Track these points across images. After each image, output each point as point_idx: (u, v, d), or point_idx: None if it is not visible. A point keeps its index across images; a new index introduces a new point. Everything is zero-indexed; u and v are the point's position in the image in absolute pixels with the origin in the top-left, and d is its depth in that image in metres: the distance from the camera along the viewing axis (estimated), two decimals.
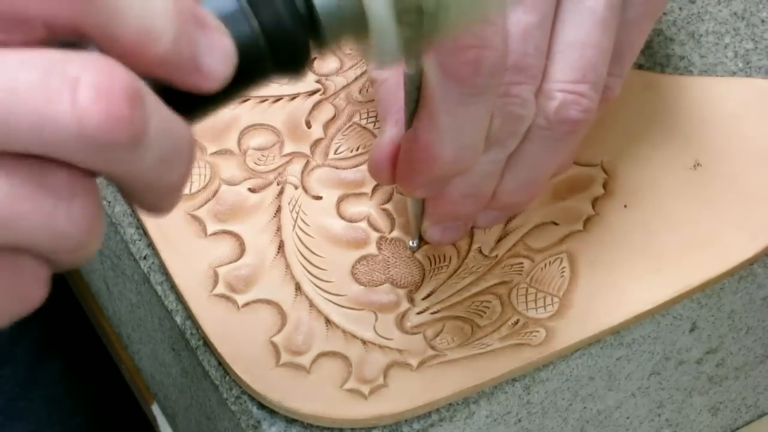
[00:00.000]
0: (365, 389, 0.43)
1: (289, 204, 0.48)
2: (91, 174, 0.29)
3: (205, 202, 0.48)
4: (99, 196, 0.29)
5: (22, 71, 0.27)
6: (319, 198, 0.48)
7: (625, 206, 0.48)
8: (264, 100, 0.51)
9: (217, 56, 0.30)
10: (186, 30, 0.29)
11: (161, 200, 0.31)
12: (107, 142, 0.27)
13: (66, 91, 0.27)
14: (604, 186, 0.49)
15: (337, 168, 0.49)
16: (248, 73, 0.31)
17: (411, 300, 0.45)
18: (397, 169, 0.43)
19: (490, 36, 0.39)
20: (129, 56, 0.28)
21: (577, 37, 0.42)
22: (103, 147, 0.27)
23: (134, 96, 0.27)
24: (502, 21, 0.39)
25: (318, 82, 0.51)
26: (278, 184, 0.48)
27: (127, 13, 0.28)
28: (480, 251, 0.47)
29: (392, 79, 0.43)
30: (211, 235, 0.47)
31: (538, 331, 0.45)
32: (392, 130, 0.43)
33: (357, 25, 0.32)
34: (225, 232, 0.47)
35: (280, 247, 0.47)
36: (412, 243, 0.47)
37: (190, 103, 0.30)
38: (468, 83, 0.39)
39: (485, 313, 0.45)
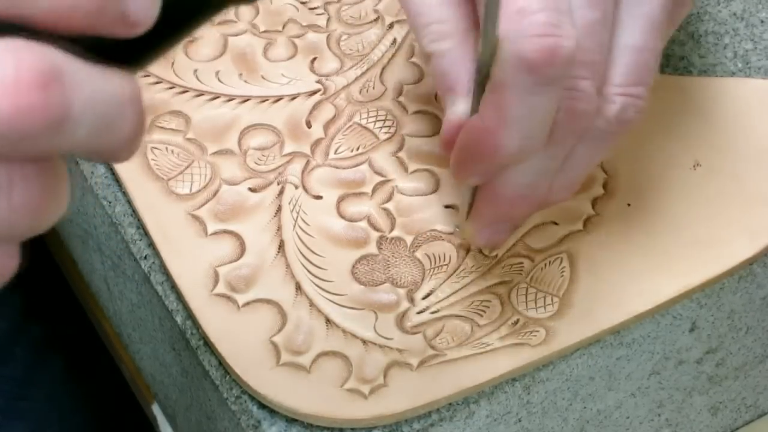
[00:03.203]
0: (365, 389, 0.43)
1: (289, 204, 0.48)
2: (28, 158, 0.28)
3: (206, 202, 0.48)
4: (49, 172, 0.28)
5: None
6: (319, 198, 0.48)
7: (629, 205, 0.48)
8: (264, 100, 0.51)
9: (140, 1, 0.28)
10: None
11: (117, 154, 0.30)
12: (24, 133, 0.26)
13: None
14: (604, 186, 0.49)
15: (337, 168, 0.49)
16: (191, 6, 0.30)
17: (411, 300, 0.45)
18: (454, 154, 0.42)
19: (566, 25, 0.39)
20: (51, 25, 0.27)
21: (636, 40, 0.42)
22: (20, 139, 0.26)
23: (46, 79, 0.26)
24: (571, 13, 0.39)
25: (318, 82, 0.51)
26: (278, 184, 0.48)
27: None
28: (480, 251, 0.47)
29: (455, 51, 0.43)
30: (211, 234, 0.47)
31: (538, 331, 0.45)
32: (464, 106, 0.42)
33: None
34: (225, 231, 0.47)
35: (281, 246, 0.47)
36: (457, 228, 0.47)
37: (129, 51, 0.29)
38: (541, 71, 0.39)
39: (485, 312, 0.45)
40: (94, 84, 0.28)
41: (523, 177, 0.42)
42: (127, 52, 0.29)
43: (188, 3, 0.30)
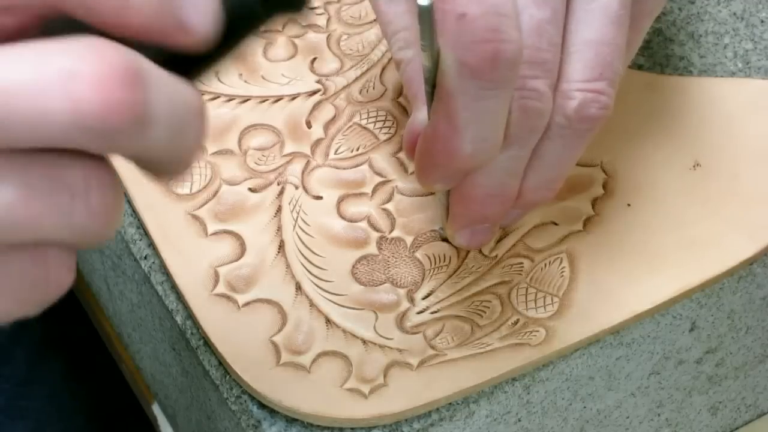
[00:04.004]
0: (365, 389, 0.43)
1: (289, 204, 0.48)
2: (104, 160, 0.29)
3: (206, 202, 0.48)
4: (116, 179, 0.29)
5: (11, 68, 0.27)
6: (319, 198, 0.48)
7: (629, 205, 0.48)
8: (264, 100, 0.51)
9: (199, 11, 0.29)
10: None
11: (179, 166, 0.30)
12: (110, 130, 0.27)
13: (59, 83, 0.27)
14: (604, 186, 0.49)
15: (337, 168, 0.49)
16: (241, 19, 0.30)
17: (411, 300, 0.45)
18: (414, 161, 0.43)
19: (508, 29, 0.38)
20: (112, 26, 0.28)
21: (592, 35, 0.42)
22: (107, 134, 0.27)
23: (131, 77, 0.27)
24: (517, 15, 0.39)
25: (318, 82, 0.51)
26: (279, 184, 0.48)
27: None
28: (480, 251, 0.47)
29: (417, 59, 0.43)
30: (211, 234, 0.47)
31: (537, 331, 0.45)
32: (424, 113, 0.43)
33: None
34: (225, 231, 0.47)
35: (281, 246, 0.47)
36: (441, 230, 0.47)
37: (188, 62, 0.30)
38: (486, 77, 0.39)
39: (485, 312, 0.45)
40: (171, 88, 0.28)
41: (488, 178, 0.42)
42: (188, 63, 0.30)
43: (237, 15, 0.30)
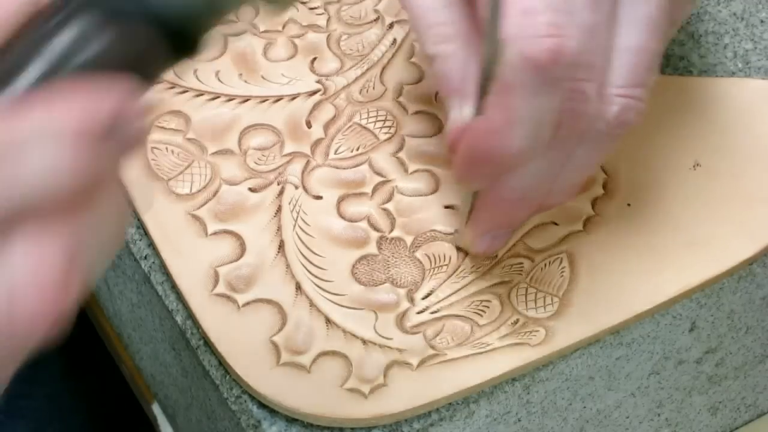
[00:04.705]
0: (365, 388, 0.43)
1: (289, 204, 0.48)
2: None
3: (206, 202, 0.48)
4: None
5: None
6: (319, 198, 0.48)
7: (629, 205, 0.48)
8: (264, 100, 0.51)
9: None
10: None
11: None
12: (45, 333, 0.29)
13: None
14: (604, 186, 0.49)
15: (337, 168, 0.49)
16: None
17: (411, 300, 0.45)
18: (458, 156, 0.42)
19: (570, 27, 0.39)
20: None
21: (635, 42, 0.42)
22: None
23: (65, 281, 0.29)
24: (577, 14, 0.39)
25: (318, 82, 0.51)
26: (279, 184, 0.48)
27: None
28: None
29: (459, 54, 0.43)
30: (211, 234, 0.47)
31: (537, 331, 0.45)
32: (470, 108, 0.42)
33: None
34: (225, 231, 0.47)
35: (281, 246, 0.47)
36: (456, 235, 0.46)
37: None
38: (547, 71, 0.39)
39: (485, 312, 0.45)
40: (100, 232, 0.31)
41: (523, 180, 0.42)
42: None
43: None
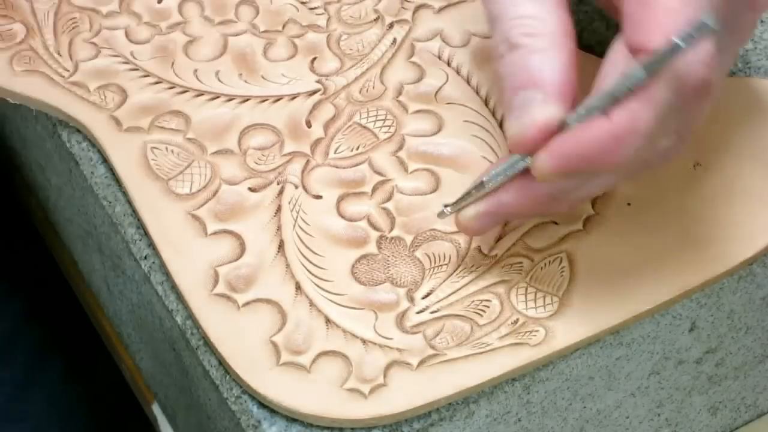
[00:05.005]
0: (365, 389, 0.43)
1: (289, 203, 0.48)
2: None
3: (206, 202, 0.48)
4: None
5: None
6: (319, 197, 0.48)
7: (629, 205, 0.48)
8: (264, 100, 0.51)
9: None
10: None
11: None
12: None
13: None
14: None
15: (337, 167, 0.49)
16: None
17: (411, 299, 0.45)
18: (553, 152, 0.42)
19: (713, 49, 0.41)
20: None
21: None
22: None
23: None
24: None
25: (318, 82, 0.51)
26: (278, 184, 0.48)
27: None
28: (479, 250, 0.47)
29: (549, 51, 0.43)
30: (211, 234, 0.47)
31: (537, 331, 0.45)
32: (552, 109, 0.42)
33: None
34: (225, 231, 0.47)
35: (281, 246, 0.47)
36: (446, 209, 0.45)
37: None
38: (694, 97, 0.41)
39: (485, 312, 0.45)
40: None
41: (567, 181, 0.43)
42: None
43: None
